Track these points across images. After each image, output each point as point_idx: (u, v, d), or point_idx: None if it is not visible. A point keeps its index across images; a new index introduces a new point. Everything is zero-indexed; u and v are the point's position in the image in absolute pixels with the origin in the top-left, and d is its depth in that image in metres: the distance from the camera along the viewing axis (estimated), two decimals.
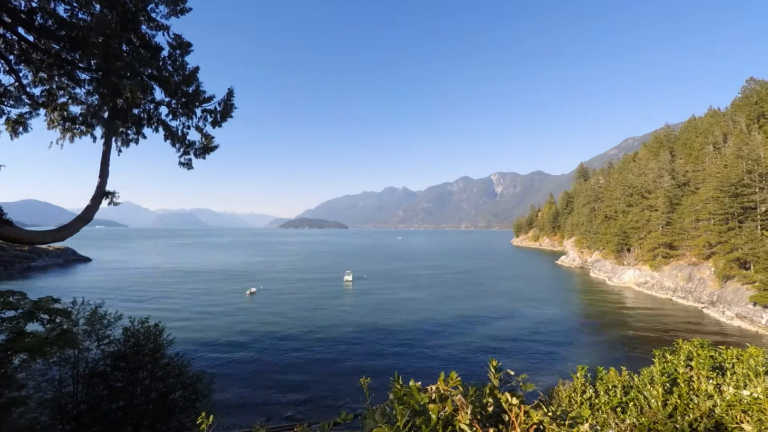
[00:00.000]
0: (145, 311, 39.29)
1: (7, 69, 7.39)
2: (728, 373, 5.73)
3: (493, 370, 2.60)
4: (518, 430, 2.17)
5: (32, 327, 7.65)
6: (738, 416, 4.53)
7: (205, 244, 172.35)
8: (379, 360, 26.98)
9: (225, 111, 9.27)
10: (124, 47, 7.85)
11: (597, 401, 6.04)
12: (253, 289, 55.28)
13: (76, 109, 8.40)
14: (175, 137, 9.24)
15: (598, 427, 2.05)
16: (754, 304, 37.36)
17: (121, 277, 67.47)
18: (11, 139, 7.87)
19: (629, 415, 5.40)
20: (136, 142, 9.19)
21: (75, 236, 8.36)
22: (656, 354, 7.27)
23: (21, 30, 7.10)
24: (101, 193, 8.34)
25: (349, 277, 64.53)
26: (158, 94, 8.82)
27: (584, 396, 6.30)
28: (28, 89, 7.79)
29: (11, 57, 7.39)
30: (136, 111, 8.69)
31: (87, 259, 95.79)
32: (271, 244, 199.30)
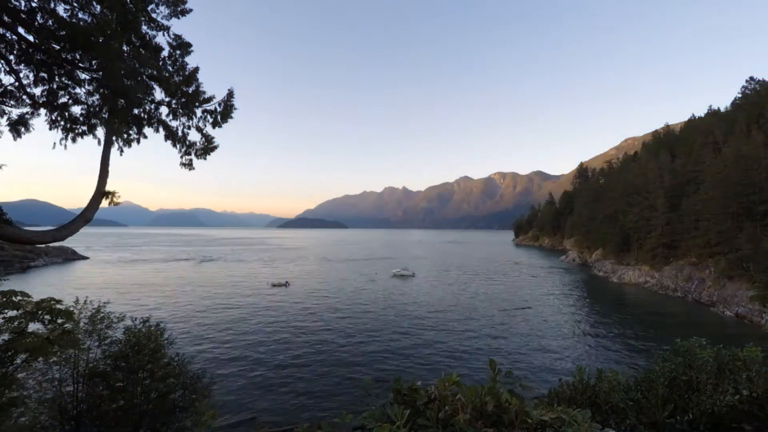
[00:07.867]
0: (144, 308, 39.30)
1: (8, 69, 7.39)
2: (727, 372, 5.74)
3: (492, 371, 2.61)
4: (518, 430, 2.18)
5: (33, 327, 7.67)
6: (738, 416, 4.53)
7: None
8: (380, 360, 26.96)
9: (225, 111, 9.27)
10: (124, 47, 7.86)
11: (597, 401, 6.06)
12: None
13: (76, 110, 8.41)
14: (175, 138, 9.25)
15: (599, 427, 2.06)
16: (755, 303, 37.37)
17: (119, 275, 67.43)
18: (14, 139, 7.87)
19: (630, 415, 5.41)
20: (138, 141, 9.20)
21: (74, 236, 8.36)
22: (656, 354, 7.27)
23: (21, 30, 7.11)
24: (101, 192, 8.35)
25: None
26: (158, 94, 8.84)
27: (584, 396, 6.32)
28: (28, 89, 7.78)
29: (11, 57, 7.39)
30: (136, 111, 8.70)
31: (85, 258, 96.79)
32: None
